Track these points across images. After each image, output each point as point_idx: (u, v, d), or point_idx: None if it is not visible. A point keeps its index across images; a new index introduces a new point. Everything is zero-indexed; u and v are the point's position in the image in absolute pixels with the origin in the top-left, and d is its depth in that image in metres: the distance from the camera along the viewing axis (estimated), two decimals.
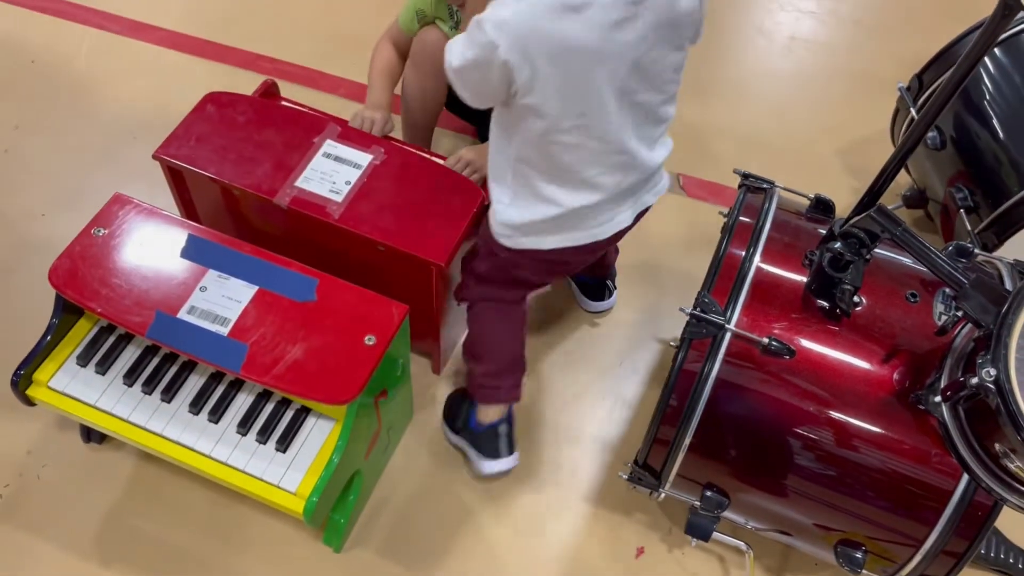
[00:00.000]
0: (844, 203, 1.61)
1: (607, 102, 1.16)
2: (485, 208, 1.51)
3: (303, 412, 1.35)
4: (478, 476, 1.56)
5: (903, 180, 1.94)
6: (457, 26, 1.64)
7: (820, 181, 2.05)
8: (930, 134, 1.71)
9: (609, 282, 1.81)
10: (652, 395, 1.71)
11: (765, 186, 1.39)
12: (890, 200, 1.78)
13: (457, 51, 1.15)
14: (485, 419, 1.52)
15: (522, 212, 1.30)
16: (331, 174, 1.49)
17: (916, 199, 1.87)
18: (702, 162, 2.07)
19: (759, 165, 1.48)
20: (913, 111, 1.75)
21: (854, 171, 2.10)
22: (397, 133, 1.75)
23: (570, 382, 1.73)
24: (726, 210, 1.52)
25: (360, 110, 1.66)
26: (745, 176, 1.41)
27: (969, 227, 1.61)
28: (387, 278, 1.43)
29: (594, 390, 1.72)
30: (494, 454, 1.52)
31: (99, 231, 1.38)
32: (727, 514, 1.36)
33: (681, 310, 1.24)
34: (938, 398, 1.10)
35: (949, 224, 1.71)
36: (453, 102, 1.84)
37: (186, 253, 1.37)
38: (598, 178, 1.24)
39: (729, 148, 2.12)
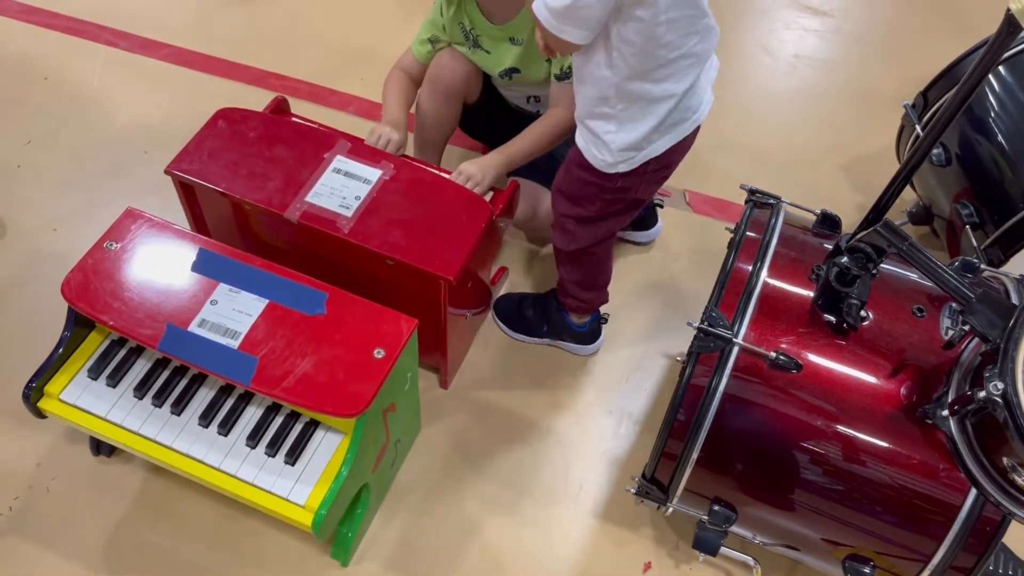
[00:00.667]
0: (849, 220, 1.62)
1: None
2: (493, 224, 1.52)
3: (312, 425, 1.36)
4: (583, 356, 1.80)
5: (908, 196, 1.95)
6: (476, 45, 1.66)
7: (825, 198, 2.06)
8: (935, 151, 1.72)
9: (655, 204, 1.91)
10: (659, 410, 1.71)
11: (771, 201, 1.40)
12: (895, 217, 1.79)
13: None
14: (582, 320, 1.74)
15: (636, 127, 1.34)
16: (341, 189, 1.50)
17: (922, 215, 1.88)
18: (708, 179, 2.08)
19: (764, 182, 1.49)
20: (919, 128, 1.76)
21: (859, 188, 2.11)
22: (409, 150, 1.77)
23: (577, 398, 1.73)
24: (732, 226, 1.53)
25: (376, 126, 1.67)
26: (752, 192, 1.42)
27: (975, 243, 1.62)
28: (396, 292, 1.44)
29: (601, 405, 1.73)
30: (595, 339, 1.79)
31: (111, 245, 1.39)
32: (735, 528, 1.36)
33: (689, 324, 1.24)
34: (945, 412, 1.11)
35: (955, 240, 1.72)
36: (467, 122, 1.86)
37: (197, 267, 1.38)
38: (696, 47, 1.28)
39: (735, 165, 2.13)
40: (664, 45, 1.25)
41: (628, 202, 1.51)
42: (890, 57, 2.44)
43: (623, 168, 1.38)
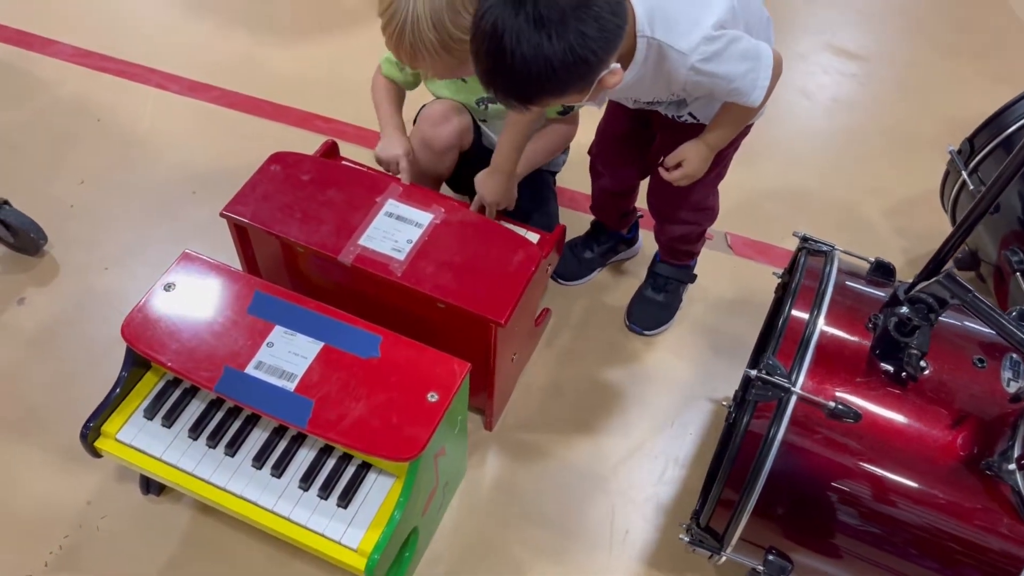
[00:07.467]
0: (894, 264, 1.62)
1: None
2: (542, 267, 1.53)
3: (364, 468, 1.36)
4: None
5: None
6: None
7: (867, 242, 2.06)
8: None
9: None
10: (703, 456, 1.70)
11: (825, 249, 1.40)
12: None
13: (760, 84, 1.32)
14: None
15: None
16: (393, 233, 1.52)
17: (968, 261, 1.87)
18: (748, 221, 2.09)
19: (804, 225, 1.49)
20: (964, 174, 1.76)
21: (901, 232, 2.11)
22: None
23: (622, 443, 1.73)
24: (778, 270, 1.53)
25: (377, 152, 1.66)
26: (804, 239, 1.42)
27: None
28: (447, 335, 1.45)
29: (646, 450, 1.72)
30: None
31: (169, 287, 1.42)
32: None
33: (747, 372, 1.24)
34: (1012, 466, 1.09)
35: (1003, 287, 1.71)
36: (455, 181, 1.88)
37: (253, 309, 1.39)
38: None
39: (775, 208, 2.14)
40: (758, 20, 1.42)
41: None
42: (928, 101, 2.44)
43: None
